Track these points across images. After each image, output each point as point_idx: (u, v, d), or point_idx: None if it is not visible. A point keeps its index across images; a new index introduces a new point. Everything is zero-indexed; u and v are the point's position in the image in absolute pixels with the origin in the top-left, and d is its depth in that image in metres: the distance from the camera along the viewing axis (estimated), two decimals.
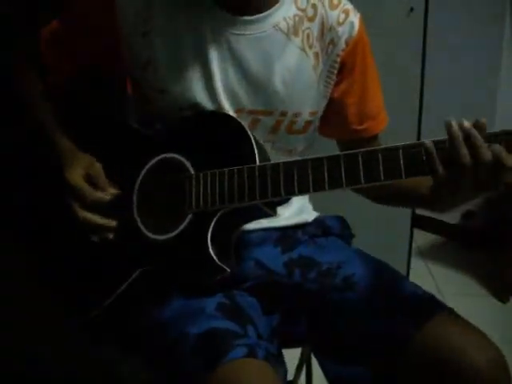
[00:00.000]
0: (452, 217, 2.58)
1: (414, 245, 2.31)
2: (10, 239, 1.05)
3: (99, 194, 0.91)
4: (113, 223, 0.92)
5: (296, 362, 1.21)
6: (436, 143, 0.74)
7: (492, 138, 0.72)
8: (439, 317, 0.86)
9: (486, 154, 0.71)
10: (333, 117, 1.02)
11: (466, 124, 0.73)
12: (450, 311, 0.88)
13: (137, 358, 0.97)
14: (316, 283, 0.96)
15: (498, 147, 0.71)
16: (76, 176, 0.91)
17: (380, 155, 0.77)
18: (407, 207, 1.00)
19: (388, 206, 1.04)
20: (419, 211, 2.16)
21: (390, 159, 0.76)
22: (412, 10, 1.92)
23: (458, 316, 0.88)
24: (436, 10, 2.04)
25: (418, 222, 2.34)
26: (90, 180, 0.92)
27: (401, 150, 0.76)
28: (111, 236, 0.92)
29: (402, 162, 0.76)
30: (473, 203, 2.49)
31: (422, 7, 1.92)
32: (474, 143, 0.72)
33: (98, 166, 0.93)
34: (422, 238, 2.55)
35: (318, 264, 0.99)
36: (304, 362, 1.22)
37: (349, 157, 0.79)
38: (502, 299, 2.05)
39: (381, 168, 0.77)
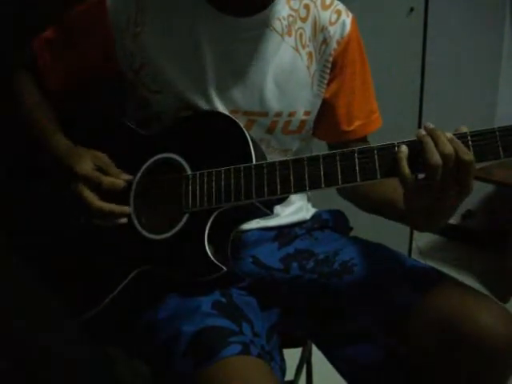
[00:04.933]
0: (452, 217, 2.58)
1: (414, 245, 2.31)
2: (8, 239, 1.05)
3: (114, 180, 0.91)
4: (128, 210, 0.91)
5: (296, 361, 1.21)
6: (408, 144, 0.75)
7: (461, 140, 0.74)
8: (442, 284, 0.86)
9: (447, 146, 0.72)
10: (324, 118, 1.02)
11: (428, 124, 0.75)
12: (452, 279, 0.88)
13: (135, 357, 0.97)
14: (315, 272, 0.96)
15: (455, 141, 0.73)
16: (87, 166, 0.90)
17: (376, 153, 0.77)
18: (386, 218, 1.00)
19: (369, 213, 1.04)
20: None
21: (387, 157, 0.76)
22: (412, 10, 1.92)
23: (460, 282, 0.87)
24: (436, 10, 2.05)
25: None
26: (100, 170, 0.92)
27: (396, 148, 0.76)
28: (125, 221, 0.91)
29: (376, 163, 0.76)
30: (472, 203, 2.49)
31: (421, 7, 1.92)
32: (435, 136, 0.73)
33: (103, 156, 0.93)
34: (422, 237, 2.55)
35: (315, 254, 0.99)
36: (304, 361, 1.22)
37: (345, 154, 0.79)
38: (503, 299, 2.05)
39: (377, 166, 0.77)
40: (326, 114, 1.01)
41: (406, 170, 0.74)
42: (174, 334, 0.82)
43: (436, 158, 0.72)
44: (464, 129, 0.75)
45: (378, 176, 0.77)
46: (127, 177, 0.93)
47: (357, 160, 0.78)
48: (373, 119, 1.03)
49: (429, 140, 0.73)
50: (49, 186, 0.98)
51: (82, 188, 0.90)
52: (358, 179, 0.77)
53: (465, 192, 0.75)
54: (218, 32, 0.91)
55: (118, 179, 0.91)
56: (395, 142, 0.77)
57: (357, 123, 1.01)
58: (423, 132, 0.75)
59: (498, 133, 0.72)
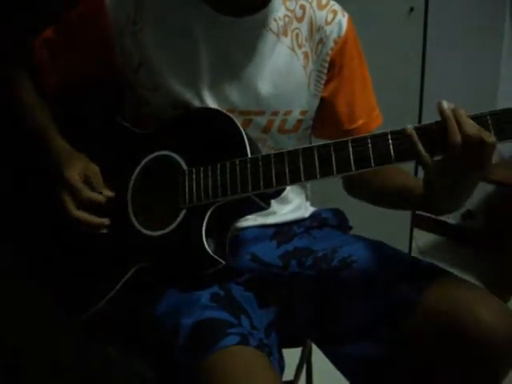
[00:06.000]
0: (452, 217, 2.58)
1: (414, 245, 2.31)
2: (6, 239, 1.05)
3: (94, 195, 0.92)
4: (106, 222, 0.92)
5: (296, 361, 1.21)
6: (418, 129, 0.76)
7: (476, 120, 0.74)
8: (440, 279, 0.86)
9: (472, 128, 0.73)
10: (325, 117, 1.02)
11: (451, 105, 0.76)
12: (451, 275, 0.88)
13: (137, 356, 0.97)
14: (313, 270, 0.96)
15: (477, 125, 0.73)
16: (75, 175, 0.91)
17: (370, 142, 0.78)
18: (403, 209, 1.01)
19: (384, 207, 1.04)
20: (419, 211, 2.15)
21: (380, 146, 0.78)
22: (412, 9, 1.92)
23: (459, 278, 0.87)
24: (436, 10, 2.04)
25: (418, 222, 2.34)
26: (87, 181, 0.92)
27: (389, 135, 0.78)
28: (104, 233, 0.92)
29: (391, 147, 0.77)
30: (472, 203, 2.49)
31: (421, 7, 1.92)
32: (460, 119, 0.73)
33: (95, 168, 0.94)
34: (422, 237, 2.55)
35: (314, 252, 0.99)
36: (304, 361, 1.22)
37: (339, 144, 0.80)
38: (503, 299, 2.05)
39: (371, 154, 0.78)
40: (327, 113, 1.02)
41: (424, 152, 0.75)
42: (173, 327, 0.82)
43: (457, 138, 0.72)
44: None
45: (373, 164, 0.78)
46: (109, 193, 0.93)
47: (351, 149, 0.79)
48: (374, 116, 1.04)
49: (452, 116, 0.74)
50: (47, 185, 0.98)
51: (65, 195, 0.91)
52: (353, 169, 0.78)
53: (486, 171, 0.76)
54: (214, 32, 0.92)
55: (99, 196, 0.92)
56: (388, 131, 0.78)
57: (359, 122, 1.02)
58: (445, 105, 0.75)
59: (488, 117, 0.73)
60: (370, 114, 1.04)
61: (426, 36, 1.95)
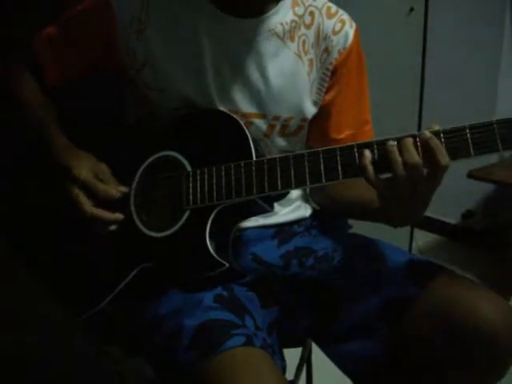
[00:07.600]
0: (452, 217, 2.58)
1: (414, 245, 2.31)
2: (8, 239, 1.05)
3: (109, 188, 0.91)
4: (120, 217, 0.92)
5: (296, 362, 1.21)
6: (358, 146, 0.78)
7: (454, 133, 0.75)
8: (440, 276, 0.86)
9: (414, 156, 0.74)
10: (315, 124, 1.02)
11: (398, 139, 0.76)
12: (451, 272, 0.88)
13: (138, 356, 0.97)
14: (314, 270, 0.96)
15: (434, 143, 0.73)
16: (86, 172, 0.91)
17: (375, 147, 0.78)
18: (361, 219, 1.02)
19: (342, 216, 1.05)
20: None
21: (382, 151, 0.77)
22: (412, 9, 1.92)
23: (459, 275, 0.87)
24: (436, 10, 2.05)
25: (418, 222, 2.34)
26: (98, 177, 0.92)
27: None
28: (107, 233, 0.92)
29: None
30: (472, 203, 2.49)
31: (422, 7, 1.92)
32: (402, 145, 0.75)
33: (103, 165, 0.93)
34: (422, 237, 2.55)
35: (314, 251, 0.99)
36: (304, 361, 1.22)
37: (344, 149, 0.80)
38: None
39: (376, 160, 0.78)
40: (318, 120, 1.01)
41: (370, 169, 0.76)
42: (176, 328, 0.82)
43: (400, 169, 0.74)
44: (436, 126, 0.75)
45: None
46: (123, 189, 0.93)
47: (356, 154, 0.79)
48: (365, 130, 1.03)
49: (394, 150, 0.75)
50: (48, 185, 0.98)
51: (77, 193, 0.90)
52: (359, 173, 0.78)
53: (437, 185, 0.76)
54: (219, 33, 0.92)
55: (114, 190, 0.91)
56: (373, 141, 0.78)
57: (347, 132, 1.01)
58: (391, 142, 0.76)
59: (495, 125, 0.73)
60: (360, 126, 1.02)
61: (426, 36, 1.96)
